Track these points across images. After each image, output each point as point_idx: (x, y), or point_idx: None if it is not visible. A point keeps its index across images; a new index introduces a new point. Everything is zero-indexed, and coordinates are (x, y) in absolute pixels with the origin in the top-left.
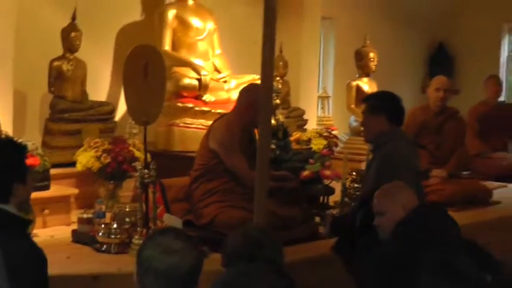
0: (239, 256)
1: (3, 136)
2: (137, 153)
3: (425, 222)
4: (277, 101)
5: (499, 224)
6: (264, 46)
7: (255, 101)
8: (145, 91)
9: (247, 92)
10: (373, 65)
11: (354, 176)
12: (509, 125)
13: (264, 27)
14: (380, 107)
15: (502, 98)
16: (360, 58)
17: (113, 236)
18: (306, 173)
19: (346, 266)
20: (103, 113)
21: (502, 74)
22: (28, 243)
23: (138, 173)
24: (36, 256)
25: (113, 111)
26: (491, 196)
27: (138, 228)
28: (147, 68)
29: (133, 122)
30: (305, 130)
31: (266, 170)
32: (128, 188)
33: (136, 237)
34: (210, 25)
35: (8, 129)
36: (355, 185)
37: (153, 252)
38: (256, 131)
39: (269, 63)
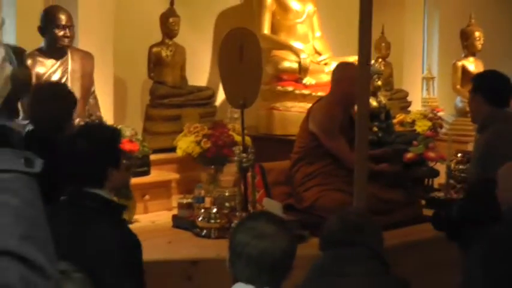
0: (336, 240)
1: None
2: (237, 138)
3: None
4: (379, 83)
5: None
6: (360, 26)
7: (344, 77)
8: (241, 74)
9: (336, 69)
10: (479, 44)
11: (459, 158)
12: None
13: (361, 6)
14: (478, 87)
15: None
16: (466, 37)
17: (212, 221)
18: (409, 155)
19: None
20: (203, 97)
21: None
22: (121, 228)
23: (236, 157)
24: (129, 242)
25: (212, 96)
26: None
27: (237, 213)
28: (242, 50)
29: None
30: (409, 112)
31: (365, 152)
32: (229, 173)
33: (235, 221)
34: (310, 7)
35: (109, 116)
36: (461, 167)
37: (245, 237)
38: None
39: (366, 43)
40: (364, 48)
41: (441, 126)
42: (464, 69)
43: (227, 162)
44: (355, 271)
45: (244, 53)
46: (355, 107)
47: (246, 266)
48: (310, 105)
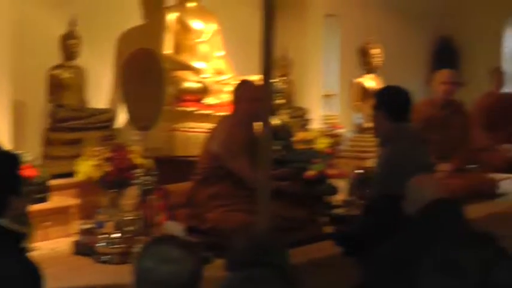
0: (243, 261)
1: None
2: (139, 160)
3: (437, 218)
4: (281, 101)
5: (507, 216)
6: (263, 45)
7: (244, 96)
8: (144, 95)
9: (236, 89)
10: (378, 61)
11: (360, 174)
12: None
13: (263, 26)
14: (380, 102)
15: (506, 90)
16: (364, 55)
17: (114, 246)
18: (310, 172)
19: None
20: (103, 120)
21: (507, 66)
22: (20, 258)
23: (137, 180)
24: (28, 271)
25: (113, 118)
26: (498, 188)
27: (140, 237)
28: (145, 71)
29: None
30: (309, 130)
31: (268, 171)
32: (131, 196)
33: (138, 246)
34: (213, 27)
35: (7, 141)
36: (362, 184)
37: (149, 263)
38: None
39: (268, 63)
40: (266, 66)
41: (341, 144)
42: (363, 86)
43: (128, 186)
44: None
45: (147, 74)
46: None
47: None
48: (212, 125)
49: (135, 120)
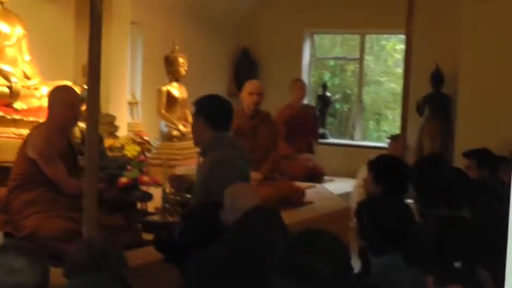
0: (82, 267)
1: None
2: None
3: (253, 229)
4: None
5: (315, 223)
6: (90, 54)
7: (58, 101)
8: None
9: (50, 94)
10: (182, 70)
11: (174, 181)
12: (313, 127)
13: (90, 35)
14: (200, 111)
15: (305, 101)
16: (170, 64)
17: None
18: (123, 179)
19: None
20: None
21: (305, 78)
22: None
23: None
24: None
25: None
26: (304, 196)
27: None
28: None
29: None
30: (117, 136)
31: (94, 179)
32: None
33: None
34: (19, 30)
35: None
36: (175, 191)
37: None
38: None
39: (95, 70)
40: (93, 74)
41: (149, 151)
42: (169, 94)
43: None
44: None
45: None
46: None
47: None
48: (21, 130)
49: None
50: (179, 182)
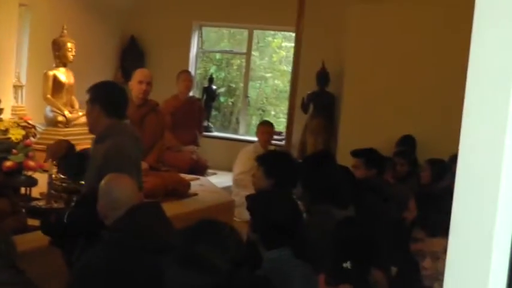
0: None
1: None
2: None
3: (138, 226)
4: None
5: (198, 215)
6: None
7: None
8: None
9: None
10: (70, 55)
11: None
12: (198, 119)
13: None
14: (95, 98)
15: (192, 93)
16: (58, 48)
17: None
18: (8, 163)
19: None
20: None
21: (191, 70)
22: None
23: None
24: None
25: None
26: (190, 188)
27: None
28: None
29: None
30: (1, 120)
31: None
32: None
33: None
34: None
35: None
36: (61, 176)
37: None
38: None
39: None
40: None
41: (34, 135)
42: (55, 79)
43: None
44: None
45: None
46: None
47: None
48: None
49: None
50: (55, 151)
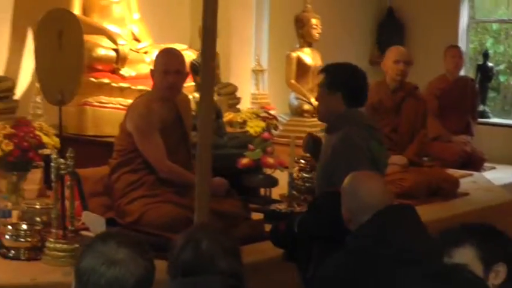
0: (186, 267)
1: None
2: (45, 139)
3: (384, 233)
4: None
5: (469, 219)
6: (204, 13)
7: (155, 66)
8: (60, 64)
9: (156, 58)
10: (316, 32)
11: (302, 165)
12: (472, 103)
13: None
14: (338, 84)
15: (462, 72)
16: (301, 25)
17: (22, 240)
18: (244, 160)
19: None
20: (1, 90)
21: (462, 44)
22: None
23: (53, 163)
24: None
25: (12, 88)
26: (458, 186)
27: (53, 230)
28: (61, 36)
29: (38, 100)
30: (238, 110)
31: (208, 161)
32: (33, 181)
33: (51, 240)
34: None
35: None
36: (304, 175)
37: (92, 264)
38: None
39: (210, 32)
40: (208, 41)
41: (276, 128)
42: (299, 61)
43: (32, 168)
44: None
45: (64, 39)
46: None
47: None
48: (129, 100)
49: (49, 92)
50: (307, 142)
